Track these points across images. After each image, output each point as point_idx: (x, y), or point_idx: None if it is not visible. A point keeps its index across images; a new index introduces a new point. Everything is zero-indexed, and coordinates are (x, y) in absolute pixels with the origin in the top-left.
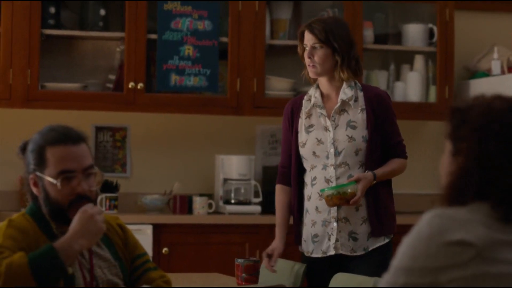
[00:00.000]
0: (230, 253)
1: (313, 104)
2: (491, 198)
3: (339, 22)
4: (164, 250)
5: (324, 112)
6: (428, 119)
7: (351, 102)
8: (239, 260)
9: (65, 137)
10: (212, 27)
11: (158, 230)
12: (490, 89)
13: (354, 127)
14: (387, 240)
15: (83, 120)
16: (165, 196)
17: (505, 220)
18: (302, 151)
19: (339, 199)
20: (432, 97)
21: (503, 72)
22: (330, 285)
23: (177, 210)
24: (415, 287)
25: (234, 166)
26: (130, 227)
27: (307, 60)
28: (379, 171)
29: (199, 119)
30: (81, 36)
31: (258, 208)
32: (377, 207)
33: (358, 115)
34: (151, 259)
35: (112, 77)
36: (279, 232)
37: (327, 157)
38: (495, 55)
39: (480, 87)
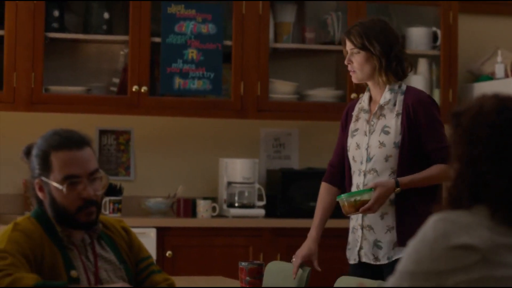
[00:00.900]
0: (234, 256)
1: (360, 108)
2: (486, 202)
3: (377, 23)
4: (168, 253)
5: (366, 116)
6: None
7: (387, 106)
8: (243, 263)
9: (69, 141)
10: (216, 30)
11: (162, 233)
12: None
13: (387, 133)
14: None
15: (87, 123)
16: (169, 199)
17: (508, 223)
18: (348, 154)
19: (350, 207)
20: (436, 100)
21: (506, 76)
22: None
23: (181, 213)
24: None
25: (238, 170)
26: (134, 230)
27: (348, 66)
28: (406, 178)
29: (203, 122)
30: (85, 39)
31: (262, 212)
32: (406, 216)
33: (393, 120)
34: (155, 262)
35: (116, 80)
36: (313, 234)
37: (361, 163)
38: (499, 59)
39: (483, 90)
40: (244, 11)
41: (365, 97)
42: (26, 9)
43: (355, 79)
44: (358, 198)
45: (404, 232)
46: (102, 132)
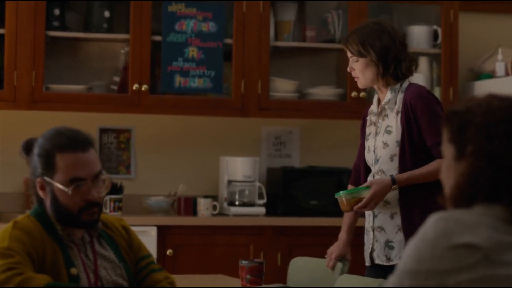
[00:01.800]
0: (234, 255)
1: (370, 111)
2: (504, 198)
3: (373, 28)
4: (169, 251)
5: (374, 119)
6: None
7: (388, 106)
8: (243, 261)
9: (75, 143)
10: (217, 28)
11: (163, 231)
12: (495, 91)
13: (389, 132)
14: None
15: (88, 122)
16: (169, 197)
17: None
18: (364, 159)
19: (347, 204)
20: None
21: (507, 74)
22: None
23: (182, 211)
24: None
25: (238, 168)
26: (134, 228)
27: (351, 73)
28: (404, 175)
29: (203, 121)
30: (85, 38)
31: (262, 210)
32: (411, 214)
33: (393, 118)
34: (155, 260)
35: (117, 78)
36: (343, 237)
37: (372, 165)
38: (500, 57)
39: (484, 88)
40: (245, 10)
41: (374, 100)
42: (27, 8)
43: (360, 85)
44: (355, 195)
45: (410, 230)
46: (103, 131)
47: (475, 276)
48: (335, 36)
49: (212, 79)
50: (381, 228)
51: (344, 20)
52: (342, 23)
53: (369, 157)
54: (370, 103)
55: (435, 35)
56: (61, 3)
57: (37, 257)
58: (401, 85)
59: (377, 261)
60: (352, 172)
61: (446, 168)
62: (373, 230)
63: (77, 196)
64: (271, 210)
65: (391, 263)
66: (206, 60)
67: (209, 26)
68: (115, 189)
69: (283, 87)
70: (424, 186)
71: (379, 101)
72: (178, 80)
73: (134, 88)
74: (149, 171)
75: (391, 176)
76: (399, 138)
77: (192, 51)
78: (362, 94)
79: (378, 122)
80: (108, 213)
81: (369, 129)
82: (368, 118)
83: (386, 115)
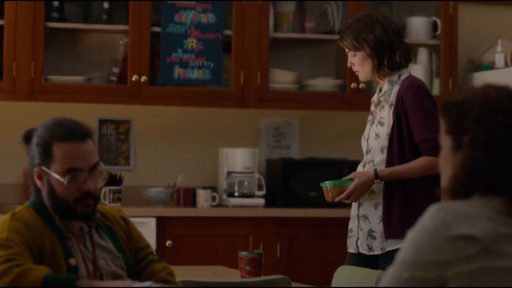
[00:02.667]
0: (234, 246)
1: (372, 101)
2: (503, 190)
3: (365, 22)
4: (168, 243)
5: (372, 108)
6: None
7: (384, 98)
8: (243, 253)
9: (73, 133)
10: (216, 20)
11: (162, 223)
12: (494, 82)
13: (382, 124)
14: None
15: (87, 113)
16: (168, 189)
17: None
18: None
19: (328, 195)
20: (436, 90)
21: (507, 65)
22: (333, 279)
23: (181, 203)
24: (420, 282)
25: (238, 159)
26: (133, 220)
27: (352, 68)
28: (387, 170)
29: (203, 112)
30: (85, 29)
31: (261, 201)
32: (391, 207)
33: (386, 110)
34: (154, 251)
35: (116, 70)
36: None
37: (365, 154)
38: (499, 48)
39: (484, 80)
40: (244, 1)
41: (377, 89)
42: None
43: (361, 78)
44: (339, 187)
45: (388, 224)
46: (102, 122)
47: (474, 267)
48: (335, 27)
49: (211, 71)
50: (365, 217)
51: (343, 11)
52: (342, 14)
53: (363, 145)
54: (370, 94)
55: (434, 26)
56: None
57: (35, 248)
58: (399, 77)
59: (360, 250)
60: None
61: (444, 159)
62: (358, 218)
63: (73, 187)
64: (270, 202)
65: (372, 253)
66: (205, 51)
67: (209, 18)
68: (114, 180)
69: (283, 79)
70: (409, 180)
71: (380, 90)
72: (178, 71)
73: (133, 79)
74: (148, 162)
75: (374, 170)
76: (389, 131)
77: (191, 43)
78: (361, 85)
79: (376, 113)
80: (107, 205)
81: (369, 117)
82: (371, 106)
83: (382, 107)
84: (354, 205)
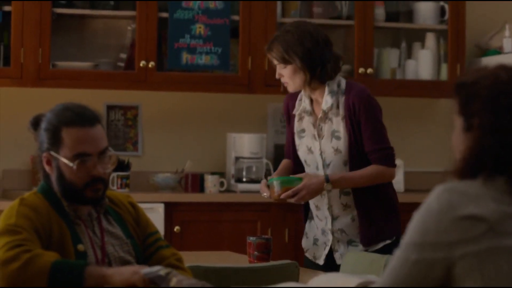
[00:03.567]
0: (242, 231)
1: (302, 109)
2: (508, 172)
3: (294, 33)
4: (176, 228)
5: (311, 119)
6: (440, 97)
7: (331, 111)
8: (251, 238)
9: (82, 118)
10: (224, 5)
11: (170, 208)
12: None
13: (338, 138)
14: (388, 242)
15: (95, 99)
16: (176, 174)
17: None
18: (298, 154)
19: (274, 192)
20: (444, 75)
21: None
22: (342, 264)
23: (189, 188)
24: (427, 263)
25: (245, 145)
26: (142, 205)
27: (281, 79)
28: (337, 175)
29: (210, 98)
30: (92, 15)
31: None
32: (368, 221)
33: (340, 124)
34: (162, 237)
35: (124, 55)
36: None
37: (317, 168)
38: (507, 33)
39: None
40: None
41: (305, 98)
42: None
43: (290, 89)
44: (286, 185)
45: (369, 237)
46: (110, 108)
47: (481, 247)
48: (342, 12)
49: (219, 56)
50: (342, 231)
51: None
52: None
53: (309, 159)
54: (379, 79)
55: (442, 11)
56: None
57: (44, 234)
58: (338, 86)
59: (338, 262)
60: (285, 160)
61: (455, 139)
62: (332, 233)
63: (82, 172)
64: None
65: None
66: (213, 37)
67: (216, 3)
68: (122, 166)
69: None
70: (378, 186)
71: (311, 99)
72: (185, 57)
73: (141, 65)
74: (156, 148)
75: (326, 174)
76: (348, 143)
77: (199, 28)
78: (369, 70)
79: (319, 125)
80: (116, 190)
81: (302, 126)
82: (297, 113)
83: (330, 119)
84: (325, 219)
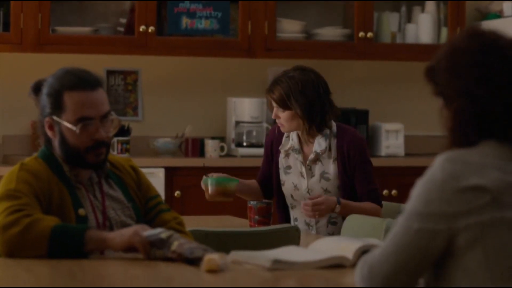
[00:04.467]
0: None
1: (291, 147)
2: (495, 135)
3: (298, 81)
4: (176, 193)
5: (300, 158)
6: None
7: (325, 155)
8: (252, 202)
9: (83, 82)
10: None
11: (170, 173)
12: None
13: (327, 179)
14: None
15: (95, 64)
16: (177, 139)
17: None
18: (283, 188)
19: (216, 192)
20: (444, 38)
21: None
22: (342, 227)
23: (189, 153)
24: (430, 233)
25: (246, 109)
26: (142, 170)
27: (276, 120)
28: (344, 200)
29: (210, 62)
30: None
31: None
32: None
33: (330, 166)
34: (163, 201)
35: (123, 20)
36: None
37: (304, 199)
38: None
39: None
40: None
41: (293, 136)
42: None
43: (284, 131)
44: (222, 185)
45: None
46: (110, 73)
47: (484, 218)
48: None
49: (219, 20)
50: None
51: None
52: None
53: (297, 195)
54: (378, 43)
55: None
56: None
57: (44, 199)
58: (330, 129)
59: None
60: (254, 181)
61: (443, 121)
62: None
63: (85, 135)
64: None
65: None
66: (212, 1)
67: None
68: (123, 131)
69: (290, 28)
70: None
71: (299, 138)
72: (185, 21)
73: (140, 29)
74: (156, 112)
75: (337, 197)
76: (339, 185)
77: None
78: (369, 34)
79: (309, 165)
80: (116, 155)
81: (288, 162)
82: (283, 149)
83: (320, 161)
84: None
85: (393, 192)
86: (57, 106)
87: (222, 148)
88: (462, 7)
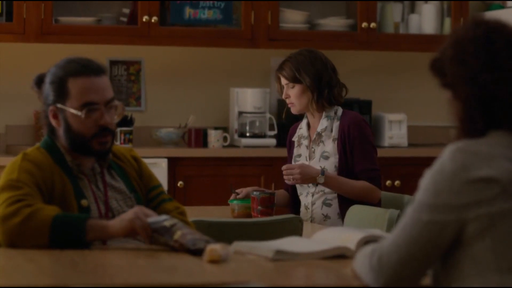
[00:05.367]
0: (245, 186)
1: (300, 135)
2: (503, 124)
3: (306, 55)
4: (179, 183)
5: (306, 142)
6: None
7: (325, 133)
8: (254, 193)
9: (87, 68)
10: None
11: (173, 163)
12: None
13: (326, 158)
14: None
15: (97, 54)
16: (180, 129)
17: None
18: None
19: (239, 213)
20: (447, 29)
21: None
22: (345, 217)
23: (192, 143)
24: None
25: (249, 99)
26: (145, 160)
27: (286, 100)
28: (332, 174)
29: (213, 52)
30: None
31: (273, 141)
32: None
33: (330, 145)
34: (166, 192)
35: (126, 10)
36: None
37: (308, 185)
38: None
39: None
40: None
41: (303, 124)
42: None
43: (294, 111)
44: (248, 206)
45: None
46: (113, 63)
47: (493, 209)
48: None
49: (222, 10)
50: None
51: None
52: None
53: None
54: (381, 33)
55: None
56: None
57: (46, 189)
58: (335, 113)
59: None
60: (282, 191)
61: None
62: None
63: (90, 121)
64: (281, 141)
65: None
66: None
67: None
68: (126, 121)
69: (293, 18)
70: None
71: (308, 125)
72: (188, 11)
73: (143, 19)
74: (159, 103)
75: (322, 168)
76: (337, 164)
77: None
78: (372, 24)
79: (312, 147)
80: (118, 145)
81: (298, 151)
82: (296, 140)
83: (322, 142)
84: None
85: (396, 182)
86: (61, 94)
87: (225, 139)
88: None
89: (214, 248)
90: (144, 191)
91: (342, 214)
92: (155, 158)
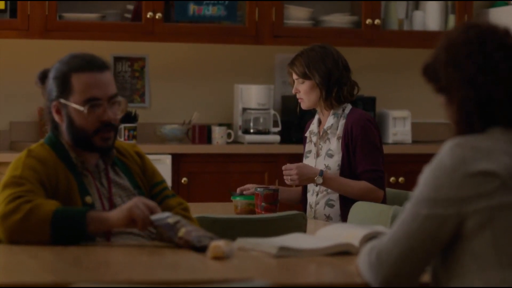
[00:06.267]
0: (249, 182)
1: (311, 131)
2: (500, 122)
3: (318, 52)
4: (183, 179)
5: (315, 139)
6: None
7: (331, 131)
8: (258, 189)
9: (91, 64)
10: None
11: (177, 159)
12: (510, 18)
13: (330, 156)
14: None
15: (102, 50)
16: (184, 125)
17: None
18: None
19: (242, 209)
20: (451, 26)
21: None
22: (349, 214)
23: (196, 139)
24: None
25: (253, 96)
26: (149, 157)
27: (296, 95)
28: (331, 174)
29: (218, 49)
30: None
31: (277, 138)
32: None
33: (334, 143)
34: (170, 188)
35: (130, 7)
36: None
37: (314, 184)
38: None
39: (499, 16)
40: None
41: (315, 120)
42: None
43: (303, 106)
44: (251, 203)
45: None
46: (117, 59)
47: (493, 203)
48: None
49: (226, 7)
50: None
51: None
52: None
53: None
54: (385, 30)
55: None
56: None
57: (50, 186)
58: (343, 110)
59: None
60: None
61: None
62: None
63: (93, 116)
64: (285, 138)
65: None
66: None
67: None
68: (130, 117)
69: (298, 15)
70: None
71: (320, 122)
72: (192, 8)
73: (148, 16)
74: (163, 99)
75: (321, 169)
76: (340, 162)
77: None
78: (376, 21)
79: (320, 144)
80: (122, 141)
81: (309, 147)
82: (308, 135)
83: (328, 139)
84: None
85: (400, 179)
86: (65, 89)
87: (229, 135)
88: None
89: (218, 244)
90: (148, 187)
91: (343, 216)
92: (159, 155)
